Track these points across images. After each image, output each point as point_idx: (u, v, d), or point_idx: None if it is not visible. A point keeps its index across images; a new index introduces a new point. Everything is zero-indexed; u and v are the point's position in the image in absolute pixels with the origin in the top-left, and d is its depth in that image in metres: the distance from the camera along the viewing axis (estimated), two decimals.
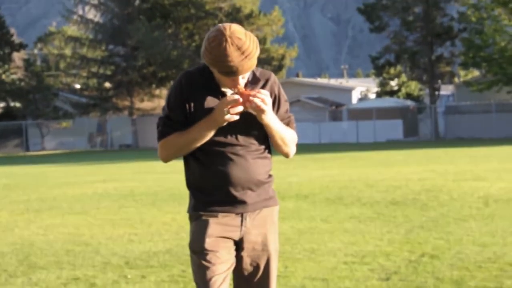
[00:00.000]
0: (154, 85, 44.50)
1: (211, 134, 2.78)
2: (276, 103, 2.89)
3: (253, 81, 2.85)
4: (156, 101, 44.52)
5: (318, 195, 11.21)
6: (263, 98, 2.72)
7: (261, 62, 40.43)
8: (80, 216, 9.88)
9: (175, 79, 2.88)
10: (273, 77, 2.92)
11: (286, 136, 2.89)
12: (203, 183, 2.86)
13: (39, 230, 8.62)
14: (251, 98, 2.71)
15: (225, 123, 2.76)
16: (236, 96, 2.71)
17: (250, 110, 2.78)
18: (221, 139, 2.82)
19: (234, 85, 2.75)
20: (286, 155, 2.96)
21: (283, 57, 42.63)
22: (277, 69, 41.52)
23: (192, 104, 2.81)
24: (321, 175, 15.10)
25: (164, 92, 45.27)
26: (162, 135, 2.84)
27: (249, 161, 2.84)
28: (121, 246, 7.21)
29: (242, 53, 2.65)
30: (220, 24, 2.72)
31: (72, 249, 7.15)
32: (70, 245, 7.43)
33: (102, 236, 7.96)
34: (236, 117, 2.74)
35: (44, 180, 17.48)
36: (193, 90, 2.81)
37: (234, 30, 2.67)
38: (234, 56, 2.64)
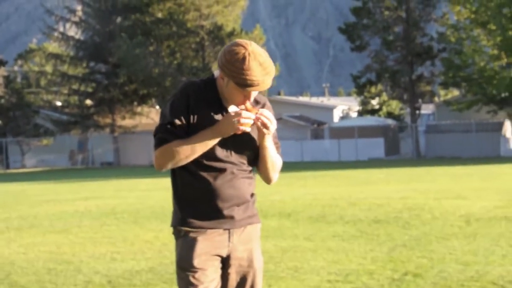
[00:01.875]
0: (135, 103, 44.42)
1: (212, 143, 2.80)
2: None
3: (254, 104, 2.89)
4: (137, 119, 44.42)
5: (301, 213, 11.21)
6: (270, 118, 2.78)
7: None
8: (61, 234, 9.80)
9: (178, 87, 2.87)
10: (268, 103, 2.98)
11: (276, 161, 2.93)
12: (191, 195, 2.85)
13: (20, 249, 8.53)
14: (258, 115, 2.76)
15: (229, 135, 2.78)
16: (247, 112, 2.75)
17: (252, 135, 2.83)
18: (217, 154, 2.84)
19: (243, 102, 2.78)
20: (269, 181, 2.98)
21: None
22: None
23: (195, 116, 2.82)
24: (304, 193, 15.12)
25: (145, 109, 45.19)
26: (161, 141, 2.81)
27: (239, 180, 2.87)
28: (104, 265, 7.16)
29: (264, 69, 2.71)
30: (240, 40, 2.78)
31: (54, 268, 7.09)
32: (51, 263, 7.36)
33: (84, 254, 7.90)
34: (248, 129, 2.76)
35: (25, 198, 17.34)
36: (197, 101, 2.82)
37: (255, 47, 2.75)
38: (256, 70, 2.70)
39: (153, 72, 41.16)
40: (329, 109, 49.44)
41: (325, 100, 57.22)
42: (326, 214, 10.90)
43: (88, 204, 14.53)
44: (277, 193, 15.16)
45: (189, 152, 2.80)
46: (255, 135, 2.87)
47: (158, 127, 2.85)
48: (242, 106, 2.79)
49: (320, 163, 34.59)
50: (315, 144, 41.03)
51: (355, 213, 10.88)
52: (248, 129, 2.77)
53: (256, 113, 2.77)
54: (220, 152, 2.84)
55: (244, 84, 2.72)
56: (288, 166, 29.63)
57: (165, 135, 2.82)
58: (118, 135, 44.01)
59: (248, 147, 2.88)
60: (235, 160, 2.86)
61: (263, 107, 2.92)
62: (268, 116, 2.77)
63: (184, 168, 2.86)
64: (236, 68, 2.70)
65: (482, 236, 8.24)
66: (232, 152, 2.85)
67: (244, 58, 2.69)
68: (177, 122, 2.81)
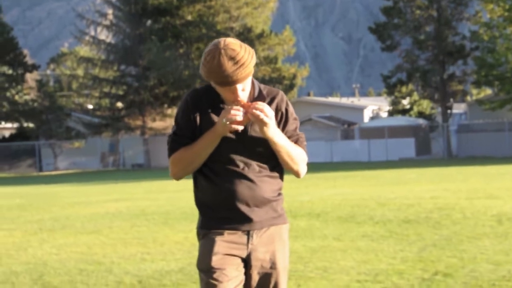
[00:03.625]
0: (166, 105, 44.65)
1: (214, 145, 2.81)
2: (283, 120, 2.89)
3: (258, 98, 2.86)
4: (168, 121, 44.64)
5: (330, 213, 11.18)
6: (261, 109, 2.73)
7: (272, 81, 40.55)
8: (92, 235, 9.91)
9: (182, 99, 2.93)
10: (281, 95, 2.93)
11: (293, 152, 2.86)
12: (210, 199, 2.88)
13: (52, 250, 8.65)
14: (250, 109, 2.73)
15: (226, 134, 2.79)
16: (236, 107, 2.74)
17: (254, 130, 2.82)
18: (226, 156, 2.84)
19: (234, 98, 2.78)
20: (296, 174, 2.94)
21: (294, 77, 42.72)
22: (289, 88, 41.60)
23: (198, 121, 2.85)
24: (333, 194, 15.07)
25: (175, 111, 45.38)
26: (171, 151, 2.88)
27: (254, 179, 2.84)
28: (134, 265, 7.23)
29: (236, 62, 2.70)
30: (217, 39, 2.80)
31: (85, 268, 7.18)
32: (83, 264, 7.45)
33: (114, 255, 7.98)
34: (240, 127, 2.76)
35: (57, 199, 17.54)
36: (198, 107, 2.86)
37: (229, 42, 2.75)
38: (227, 66, 2.70)
39: (183, 75, 41.37)
40: (359, 110, 49.20)
41: (355, 101, 56.92)
42: (355, 214, 10.85)
43: (118, 205, 14.64)
44: (306, 194, 15.13)
45: (194, 156, 2.82)
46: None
47: (168, 137, 2.93)
48: (237, 103, 2.78)
49: (350, 164, 34.43)
50: (345, 145, 40.86)
51: (385, 213, 10.81)
52: (239, 127, 2.75)
53: (249, 107, 2.74)
54: (231, 154, 2.84)
55: (219, 82, 2.73)
56: (317, 167, 29.63)
57: (173, 144, 2.89)
58: (149, 137, 44.31)
59: (259, 144, 2.84)
60: (248, 160, 2.84)
61: (272, 100, 2.87)
62: (260, 107, 2.73)
63: (200, 172, 2.90)
64: (208, 69, 2.74)
65: None
66: (244, 152, 2.84)
67: (213, 58, 2.71)
68: (182, 131, 2.87)
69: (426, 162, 33.45)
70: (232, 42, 2.74)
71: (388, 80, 44.09)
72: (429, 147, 41.14)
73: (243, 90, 2.79)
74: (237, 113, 2.72)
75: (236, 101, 2.76)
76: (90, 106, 48.26)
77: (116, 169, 42.86)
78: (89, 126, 44.69)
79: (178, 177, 2.91)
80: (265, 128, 2.75)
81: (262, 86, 2.93)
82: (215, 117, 2.83)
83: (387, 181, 19.33)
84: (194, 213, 11.74)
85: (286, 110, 2.91)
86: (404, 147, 38.47)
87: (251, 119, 2.74)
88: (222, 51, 2.70)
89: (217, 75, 2.71)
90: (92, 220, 11.87)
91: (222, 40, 2.76)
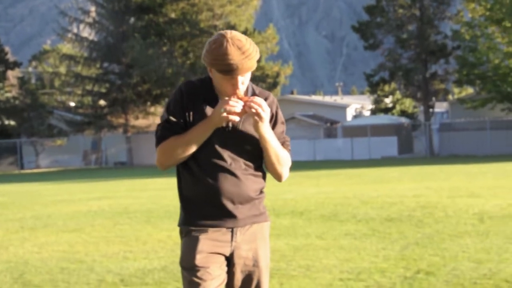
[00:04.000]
0: (149, 103, 44.53)
1: (206, 135, 2.80)
2: (272, 122, 2.91)
3: (250, 95, 2.88)
4: (151, 119, 44.53)
5: (313, 211, 11.19)
6: (260, 104, 2.75)
7: (256, 79, 40.54)
8: (74, 233, 9.85)
9: (176, 88, 2.92)
10: (272, 97, 2.95)
11: (280, 154, 2.88)
12: (194, 194, 2.86)
13: (34, 248, 8.59)
14: (248, 102, 2.75)
15: (220, 124, 2.79)
16: (235, 99, 2.75)
17: (245, 127, 2.82)
18: (216, 151, 2.84)
19: (233, 90, 2.78)
20: (279, 177, 2.94)
21: (277, 75, 42.77)
22: (272, 87, 41.64)
23: (191, 113, 2.84)
24: (316, 192, 15.09)
25: (159, 109, 45.28)
26: (160, 139, 2.86)
27: (240, 177, 2.85)
28: (116, 264, 7.19)
29: (243, 53, 2.73)
30: (222, 31, 2.82)
31: (67, 267, 7.13)
32: (64, 263, 7.40)
33: (96, 253, 7.94)
34: (236, 119, 2.76)
35: (39, 198, 17.42)
36: (193, 99, 2.85)
37: (235, 34, 2.78)
38: (234, 54, 2.72)
39: (166, 72, 41.27)
40: (342, 108, 49.34)
41: (338, 99, 57.10)
42: (338, 213, 10.87)
43: (101, 203, 14.58)
44: (289, 192, 15.14)
45: (185, 145, 2.80)
46: (252, 128, 2.84)
47: (157, 126, 2.90)
48: (235, 96, 2.79)
49: (333, 162, 34.52)
50: (328, 143, 40.95)
51: (368, 212, 10.85)
52: (236, 118, 2.76)
53: (247, 101, 2.75)
54: (220, 149, 2.84)
55: (224, 69, 2.74)
56: (301, 165, 29.69)
57: (163, 132, 2.87)
58: (131, 135, 44.15)
59: (248, 142, 2.86)
60: (236, 156, 2.85)
61: (264, 100, 2.88)
62: (258, 102, 2.75)
63: (186, 167, 2.88)
64: (214, 55, 2.74)
65: (495, 234, 8.19)
66: (232, 148, 2.85)
67: (221, 45, 2.73)
68: (173, 119, 2.85)
69: (409, 160, 33.61)
70: (238, 34, 2.77)
71: (371, 79, 44.25)
72: (411, 145, 41.32)
73: (243, 83, 2.81)
74: (236, 104, 2.73)
75: (234, 94, 2.77)
76: (73, 104, 47.96)
77: (99, 167, 42.65)
78: (71, 124, 44.45)
79: (165, 166, 2.89)
80: (259, 124, 2.76)
81: (254, 86, 2.95)
82: (209, 110, 2.83)
83: (370, 180, 19.37)
84: (177, 212, 11.67)
85: (276, 113, 2.94)
86: (386, 146, 38.62)
87: (248, 113, 2.75)
88: (230, 39, 2.73)
89: (223, 62, 2.71)
90: (74, 218, 11.79)
91: (227, 31, 2.79)
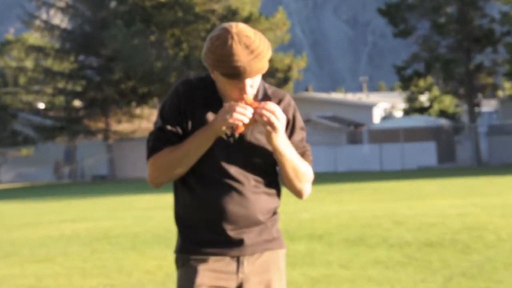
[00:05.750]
0: (134, 103, 44.67)
1: (206, 146, 2.81)
2: (289, 129, 2.92)
3: (264, 100, 2.88)
4: (136, 123, 44.64)
5: (335, 235, 11.18)
6: (273, 111, 2.74)
7: (263, 74, 40.57)
8: (43, 264, 9.81)
9: (171, 88, 2.92)
10: (288, 99, 2.96)
11: (300, 167, 2.89)
12: (193, 216, 2.88)
13: None
14: (259, 109, 2.74)
15: (223, 134, 2.80)
16: (243, 104, 2.75)
17: (255, 136, 2.82)
18: (218, 164, 2.85)
19: (240, 96, 2.79)
20: (299, 194, 2.97)
21: (289, 68, 42.81)
22: (283, 83, 41.70)
23: (189, 118, 2.86)
24: (339, 211, 15.07)
25: (146, 111, 45.41)
26: (152, 150, 2.87)
27: (249, 196, 2.85)
28: None
29: (251, 52, 2.73)
30: (226, 23, 2.82)
31: None
32: None
33: None
34: (241, 129, 2.76)
35: (0, 220, 17.34)
36: (192, 102, 2.87)
37: (242, 28, 2.78)
38: (241, 54, 2.72)
39: (155, 66, 41.39)
40: (368, 108, 49.37)
41: (363, 97, 57.18)
42: (365, 236, 10.84)
43: (76, 227, 14.53)
44: (305, 210, 15.09)
45: (182, 157, 2.81)
46: (263, 138, 2.85)
47: (149, 135, 2.91)
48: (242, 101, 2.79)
49: (358, 174, 34.50)
50: (352, 150, 40.93)
51: (402, 235, 10.80)
52: (241, 124, 2.75)
53: (257, 107, 2.74)
54: (224, 162, 2.85)
55: (229, 73, 2.75)
56: (319, 178, 29.43)
57: (156, 142, 2.87)
58: (113, 143, 44.25)
59: (259, 154, 2.87)
60: (244, 171, 2.86)
61: (279, 103, 2.89)
62: (271, 108, 2.74)
63: (184, 183, 2.89)
64: (217, 55, 2.75)
65: None
66: (239, 161, 2.86)
67: (225, 43, 2.73)
68: (169, 127, 2.86)
69: (451, 171, 33.55)
70: (246, 28, 2.79)
71: (402, 72, 44.22)
72: (453, 153, 41.29)
73: (251, 87, 2.82)
74: (244, 112, 2.73)
75: (241, 99, 2.78)
76: (41, 105, 48.13)
77: (73, 182, 42.74)
78: (40, 130, 44.54)
79: (157, 183, 2.91)
80: (273, 135, 2.77)
81: (267, 85, 2.98)
82: (210, 116, 2.84)
83: (403, 195, 19.35)
84: (168, 236, 11.68)
85: (294, 117, 2.96)
86: (423, 153, 38.59)
87: (258, 122, 2.76)
88: (236, 36, 2.74)
89: (228, 64, 2.73)
90: (43, 246, 11.76)
91: (233, 24, 2.80)
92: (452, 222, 11.98)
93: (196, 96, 2.88)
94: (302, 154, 2.94)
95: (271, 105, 2.76)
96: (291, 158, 2.85)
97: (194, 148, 2.81)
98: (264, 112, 2.74)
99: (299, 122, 2.97)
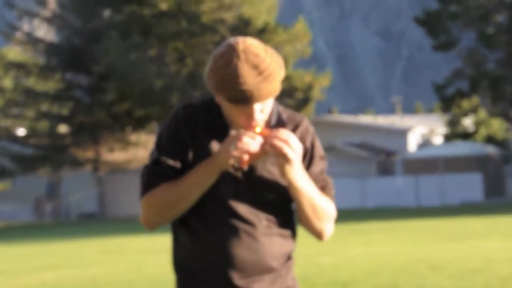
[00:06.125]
0: (129, 129, 44.74)
1: (209, 182, 2.81)
2: (306, 159, 2.92)
3: (277, 126, 2.88)
4: (131, 151, 44.69)
5: (362, 282, 11.12)
6: (286, 140, 2.73)
7: (279, 94, 40.66)
8: None
9: (170, 115, 2.91)
10: (306, 124, 2.96)
11: (320, 204, 2.88)
12: (194, 262, 2.88)
13: None
14: (270, 139, 2.74)
15: (228, 168, 2.79)
16: (251, 133, 2.75)
17: (266, 169, 2.83)
18: (223, 202, 2.84)
19: (248, 122, 2.79)
20: (319, 235, 2.96)
21: (310, 87, 42.87)
22: (302, 104, 41.75)
23: (190, 149, 2.86)
24: (366, 254, 15.05)
25: (143, 138, 45.46)
26: (147, 186, 2.86)
27: (259, 238, 2.86)
28: None
29: (260, 73, 2.73)
30: (232, 38, 2.82)
31: None
32: None
33: None
34: (250, 153, 2.75)
35: None
36: (194, 129, 2.87)
37: (250, 44, 2.78)
38: (248, 76, 2.72)
39: (154, 85, 41.51)
40: (402, 133, 49.30)
41: (397, 120, 57.10)
42: (398, 284, 10.78)
43: (59, 274, 14.50)
44: (327, 254, 15.09)
45: (180, 195, 2.80)
46: (277, 170, 2.84)
47: (144, 169, 2.91)
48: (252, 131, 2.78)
49: (390, 210, 34.45)
50: (383, 183, 40.87)
51: (441, 283, 10.72)
52: (248, 161, 2.76)
53: (267, 136, 2.74)
54: (231, 200, 2.84)
55: (234, 97, 2.74)
56: (344, 215, 29.29)
57: (150, 177, 2.87)
58: (104, 175, 44.31)
59: (271, 189, 2.87)
60: (254, 209, 2.86)
61: (295, 129, 2.91)
62: (283, 137, 2.73)
63: (184, 224, 2.89)
64: (220, 77, 2.74)
65: None
66: (248, 198, 2.85)
67: (229, 62, 2.73)
68: (166, 159, 2.85)
69: (499, 207, 33.41)
70: (255, 45, 2.79)
71: (443, 91, 44.26)
72: (502, 186, 41.13)
73: (262, 111, 2.82)
74: (252, 142, 2.73)
75: (250, 127, 2.78)
76: (21, 132, 48.26)
77: (56, 221, 42.78)
78: (19, 160, 44.61)
79: (152, 225, 2.89)
80: (287, 168, 2.76)
81: (281, 108, 2.98)
82: (215, 146, 2.84)
83: (443, 236, 19.29)
84: (166, 284, 11.64)
85: (312, 145, 2.95)
86: (467, 187, 38.50)
87: (269, 153, 2.75)
88: (242, 55, 2.74)
89: (233, 87, 2.72)
90: None
91: (239, 40, 2.80)
92: (500, 268, 11.89)
93: (199, 123, 2.88)
94: (323, 188, 2.93)
95: (284, 133, 2.76)
96: (308, 193, 2.84)
97: (196, 184, 2.81)
98: (276, 141, 2.73)
99: (319, 150, 2.97)
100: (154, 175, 2.86)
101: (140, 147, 44.63)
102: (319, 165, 2.96)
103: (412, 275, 11.62)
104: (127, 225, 32.83)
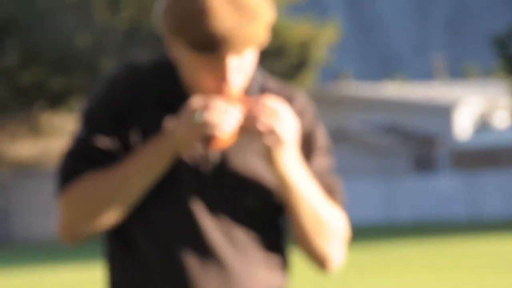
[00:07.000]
0: (39, 107, 44.92)
1: (158, 170, 2.78)
2: (305, 148, 2.88)
3: (252, 94, 2.86)
4: (43, 143, 44.85)
5: None
6: (276, 111, 2.71)
7: (264, 54, 40.90)
8: None
9: (102, 80, 2.93)
10: (302, 100, 2.95)
11: (324, 214, 2.86)
12: None
13: None
14: (251, 108, 2.70)
15: (190, 150, 2.77)
16: (223, 100, 2.72)
17: (244, 156, 2.83)
18: (183, 207, 2.81)
19: (219, 86, 2.76)
20: (323, 260, 2.92)
21: (309, 43, 43.15)
22: (297, 69, 41.99)
23: (132, 125, 2.84)
24: (399, 285, 15.19)
25: (60, 121, 45.55)
26: (67, 177, 2.82)
27: (234, 266, 2.85)
28: None
29: (238, 8, 2.75)
30: None
31: None
32: None
33: None
34: (222, 130, 2.71)
35: None
36: (138, 100, 2.87)
37: None
38: (222, 11, 2.73)
39: (77, 44, 41.70)
40: (447, 110, 49.28)
41: (439, 91, 57.34)
42: None
43: None
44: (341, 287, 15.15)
45: (117, 189, 2.78)
46: (261, 162, 2.79)
47: (62, 157, 2.86)
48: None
49: (432, 223, 34.68)
50: (422, 185, 41.17)
51: None
52: (220, 133, 2.69)
53: (248, 105, 2.71)
54: (192, 205, 2.80)
55: (200, 43, 2.73)
56: (363, 231, 29.24)
57: (73, 165, 2.81)
58: (6, 179, 44.50)
59: (252, 190, 2.83)
60: (227, 222, 2.84)
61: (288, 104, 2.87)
62: (271, 107, 2.71)
63: (122, 238, 2.87)
64: (182, 13, 2.75)
65: None
66: (219, 204, 2.82)
67: None
68: (97, 139, 2.82)
69: None
70: None
71: (506, 45, 44.55)
72: None
73: (239, 71, 2.79)
74: (225, 112, 2.71)
75: (222, 91, 2.76)
76: None
77: None
78: None
79: (73, 236, 2.85)
80: (278, 154, 2.73)
81: (266, 75, 2.97)
82: (168, 122, 2.79)
83: (508, 261, 19.55)
84: None
85: (311, 132, 2.92)
86: None
87: (251, 132, 2.71)
88: None
89: (199, 27, 2.72)
90: None
91: None
92: None
93: (145, 90, 2.88)
94: (328, 192, 2.90)
95: (272, 101, 2.73)
96: (308, 195, 2.83)
97: (138, 172, 2.79)
98: (261, 113, 2.72)
99: (321, 139, 2.94)
100: (78, 161, 2.81)
101: (57, 135, 44.76)
102: (321, 160, 2.93)
103: None
104: (40, 250, 32.99)
